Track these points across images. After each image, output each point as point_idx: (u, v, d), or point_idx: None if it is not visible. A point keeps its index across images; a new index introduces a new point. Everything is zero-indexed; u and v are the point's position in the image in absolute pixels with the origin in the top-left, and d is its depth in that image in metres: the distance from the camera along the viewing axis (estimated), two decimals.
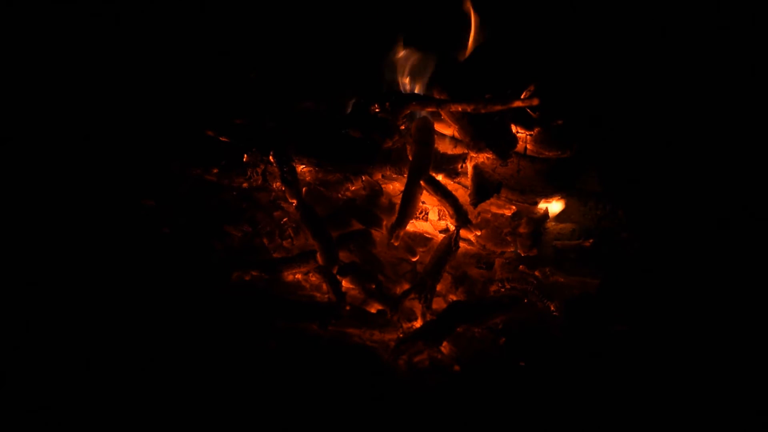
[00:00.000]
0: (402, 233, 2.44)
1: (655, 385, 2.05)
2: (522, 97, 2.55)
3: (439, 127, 2.78)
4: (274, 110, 2.88)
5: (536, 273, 2.43)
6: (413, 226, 2.59)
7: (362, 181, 2.68)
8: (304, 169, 2.73)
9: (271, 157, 2.62)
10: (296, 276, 2.38)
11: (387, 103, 2.64)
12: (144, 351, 2.03)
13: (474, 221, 2.57)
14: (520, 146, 2.62)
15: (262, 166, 2.66)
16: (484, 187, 2.54)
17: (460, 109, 2.61)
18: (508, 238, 2.54)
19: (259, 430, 1.90)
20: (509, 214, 2.64)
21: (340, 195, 2.65)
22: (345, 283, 2.31)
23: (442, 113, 2.72)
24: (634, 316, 2.27)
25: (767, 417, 1.98)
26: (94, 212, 2.49)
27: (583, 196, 2.73)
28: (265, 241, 2.48)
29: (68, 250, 2.33)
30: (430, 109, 2.74)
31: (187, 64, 3.17)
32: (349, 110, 2.86)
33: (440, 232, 2.60)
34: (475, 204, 2.52)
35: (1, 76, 2.94)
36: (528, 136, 2.62)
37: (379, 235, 2.54)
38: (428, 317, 2.24)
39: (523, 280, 2.41)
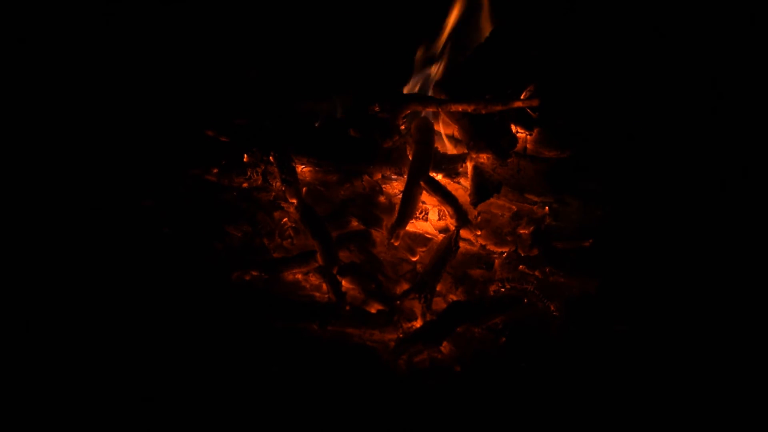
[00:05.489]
0: (402, 233, 2.44)
1: (655, 385, 2.05)
2: (522, 97, 2.55)
3: (439, 127, 2.78)
4: (274, 110, 2.88)
5: (536, 273, 2.43)
6: (413, 226, 2.59)
7: (362, 181, 2.68)
8: (304, 169, 2.73)
9: (271, 157, 2.62)
10: (296, 276, 2.38)
11: (387, 103, 2.64)
12: (144, 351, 2.03)
13: (474, 221, 2.57)
14: (520, 146, 2.62)
15: (262, 166, 2.66)
16: (484, 187, 2.54)
17: (460, 109, 2.61)
18: (508, 238, 2.54)
19: (259, 430, 1.90)
20: (509, 214, 2.64)
21: (341, 193, 2.65)
22: (345, 283, 2.30)
23: (442, 113, 2.72)
24: (634, 316, 2.27)
25: (767, 417, 1.98)
26: (94, 212, 2.49)
27: (583, 196, 2.73)
28: (265, 241, 2.48)
29: (68, 250, 2.33)
30: (430, 109, 2.74)
31: (187, 64, 3.17)
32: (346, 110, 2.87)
33: (440, 232, 2.60)
34: (475, 204, 2.52)
35: (1, 76, 2.95)
36: (528, 136, 2.62)
37: (379, 235, 2.54)
38: (428, 317, 2.24)
39: (523, 280, 2.41)
